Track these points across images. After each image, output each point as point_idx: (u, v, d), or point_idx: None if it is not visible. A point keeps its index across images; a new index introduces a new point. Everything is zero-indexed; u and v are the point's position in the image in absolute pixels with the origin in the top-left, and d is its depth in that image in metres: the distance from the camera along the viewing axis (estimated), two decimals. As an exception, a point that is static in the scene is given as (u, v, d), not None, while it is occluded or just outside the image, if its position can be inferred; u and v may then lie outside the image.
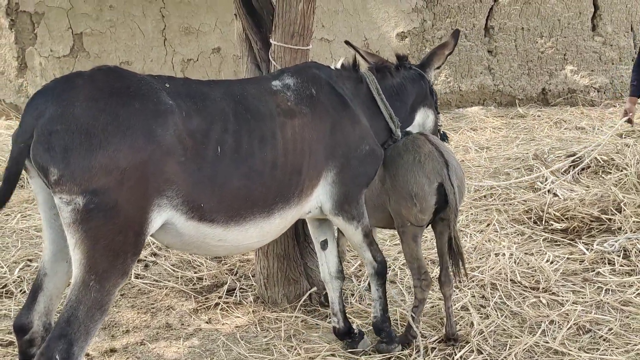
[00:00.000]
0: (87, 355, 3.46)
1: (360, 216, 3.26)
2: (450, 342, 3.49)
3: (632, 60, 6.87)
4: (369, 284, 3.78)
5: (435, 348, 3.48)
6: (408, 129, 3.60)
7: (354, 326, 3.62)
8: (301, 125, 2.99)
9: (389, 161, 3.40)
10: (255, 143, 2.79)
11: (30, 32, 9.20)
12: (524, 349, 3.41)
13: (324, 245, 3.52)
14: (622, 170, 6.11)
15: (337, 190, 3.16)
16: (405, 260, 3.68)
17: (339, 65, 3.48)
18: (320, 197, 3.16)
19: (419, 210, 3.28)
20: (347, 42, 3.88)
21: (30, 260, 4.90)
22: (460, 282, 3.78)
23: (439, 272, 3.54)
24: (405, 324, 3.63)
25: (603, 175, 6.27)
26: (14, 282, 4.49)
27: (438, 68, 3.78)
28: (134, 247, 2.46)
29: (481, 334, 3.59)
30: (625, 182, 5.78)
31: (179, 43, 9.30)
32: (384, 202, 3.43)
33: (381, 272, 3.41)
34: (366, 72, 3.49)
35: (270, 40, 3.78)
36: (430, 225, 3.48)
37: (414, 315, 3.43)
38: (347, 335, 3.53)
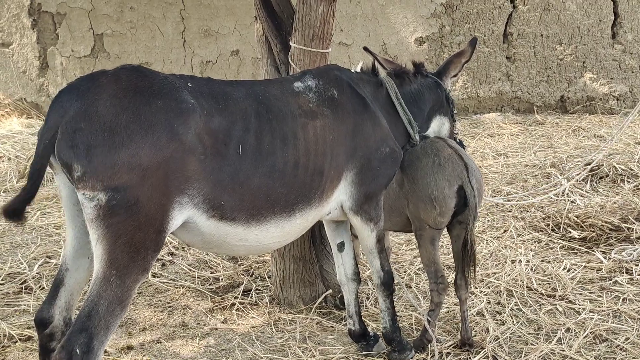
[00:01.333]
0: (105, 351, 3.50)
1: (377, 218, 3.28)
2: (466, 347, 3.48)
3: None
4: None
5: (450, 353, 3.48)
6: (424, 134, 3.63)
7: (369, 329, 3.62)
8: (323, 127, 3.01)
9: (407, 165, 3.41)
10: (277, 143, 2.82)
11: (52, 32, 9.31)
12: (539, 357, 3.40)
13: (341, 247, 3.54)
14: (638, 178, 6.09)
15: (357, 190, 3.18)
16: (421, 264, 3.68)
17: (358, 69, 3.52)
18: (340, 197, 3.18)
19: (438, 213, 3.29)
20: (365, 48, 3.91)
21: (49, 257, 4.96)
22: (472, 286, 3.77)
23: (454, 276, 3.52)
24: (420, 328, 3.64)
25: (621, 184, 6.23)
26: (33, 278, 4.55)
27: (455, 76, 3.81)
28: (154, 244, 2.49)
29: (496, 340, 3.59)
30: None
31: (198, 45, 9.36)
32: (402, 206, 3.43)
33: (387, 283, 3.40)
34: (385, 77, 3.53)
35: (290, 43, 3.81)
36: (446, 229, 3.48)
37: (429, 319, 3.43)
38: (362, 338, 3.54)
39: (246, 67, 9.41)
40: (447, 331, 3.76)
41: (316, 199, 3.00)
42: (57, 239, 5.42)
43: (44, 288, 4.42)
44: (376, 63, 3.61)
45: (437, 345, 3.42)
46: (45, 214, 6.13)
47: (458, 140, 3.77)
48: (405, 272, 4.61)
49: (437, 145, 3.41)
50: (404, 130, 3.45)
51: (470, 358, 3.42)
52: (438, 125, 3.71)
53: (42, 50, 9.33)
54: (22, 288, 4.44)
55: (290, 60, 3.81)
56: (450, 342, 3.59)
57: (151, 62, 9.27)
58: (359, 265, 3.69)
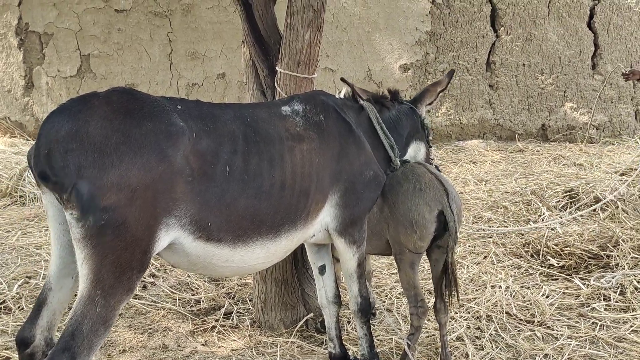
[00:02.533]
0: (83, 373, 3.48)
1: (360, 241, 3.31)
2: None
3: (631, 100, 7.11)
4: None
5: (429, 377, 3.50)
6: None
7: (350, 353, 3.63)
8: (309, 150, 3.06)
9: (388, 189, 3.45)
10: (264, 165, 2.86)
11: (39, 52, 9.34)
12: (518, 382, 3.43)
13: (322, 270, 3.56)
14: (616, 207, 6.20)
15: (341, 213, 3.22)
16: (402, 289, 3.71)
17: (342, 95, 3.59)
18: (325, 219, 3.22)
19: (418, 238, 3.32)
20: (342, 80, 3.96)
21: (29, 277, 4.92)
22: (453, 310, 3.81)
23: (434, 300, 3.55)
24: (400, 352, 3.65)
25: (599, 213, 6.32)
26: (12, 298, 4.51)
27: (430, 104, 3.91)
28: (140, 265, 2.50)
29: (476, 365, 3.61)
30: (618, 216, 5.84)
31: (184, 67, 9.43)
32: (382, 230, 3.47)
33: (364, 310, 3.43)
34: (366, 104, 3.59)
35: (277, 68, 3.86)
36: (426, 253, 3.53)
37: (409, 343, 3.45)
38: (343, 361, 3.55)
39: (232, 90, 9.49)
40: (427, 355, 3.78)
41: (301, 221, 3.03)
42: (38, 259, 5.38)
43: (23, 308, 4.38)
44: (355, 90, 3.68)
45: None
46: (26, 233, 6.09)
47: (434, 165, 3.83)
48: (386, 296, 4.63)
49: (418, 170, 3.46)
50: (385, 154, 3.51)
51: (449, 383, 3.44)
52: (415, 151, 3.79)
53: (28, 69, 9.35)
54: (1, 308, 4.39)
55: (276, 84, 3.86)
56: (430, 366, 3.61)
57: (137, 83, 9.32)
58: (339, 289, 3.71)
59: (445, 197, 3.32)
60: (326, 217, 3.21)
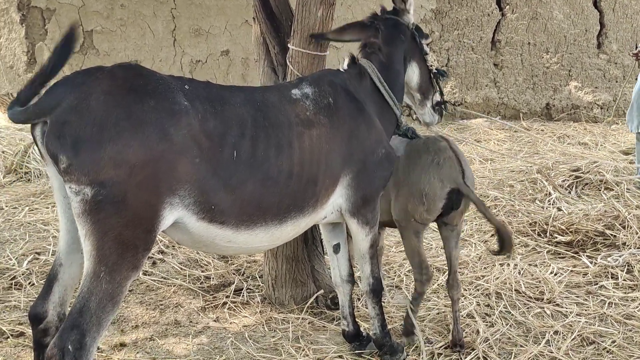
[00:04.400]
0: (98, 348, 3.50)
1: (373, 222, 3.29)
2: (457, 347, 3.53)
3: (636, 79, 7.08)
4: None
5: (441, 354, 3.53)
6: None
7: (362, 330, 3.66)
8: (319, 136, 3.01)
9: (405, 156, 3.47)
10: (271, 151, 2.81)
11: (41, 28, 9.26)
12: (529, 358, 3.46)
13: (337, 249, 3.56)
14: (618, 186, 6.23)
15: (354, 194, 3.18)
16: (406, 258, 3.75)
17: (345, 66, 3.46)
18: (337, 201, 3.18)
19: (425, 210, 3.36)
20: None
21: (38, 253, 4.94)
22: (463, 288, 3.81)
23: (447, 276, 3.59)
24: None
25: (605, 192, 6.34)
26: (22, 274, 4.53)
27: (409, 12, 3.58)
28: (144, 243, 2.48)
29: (486, 341, 3.64)
30: (623, 194, 5.87)
31: (188, 44, 9.37)
32: (387, 195, 3.47)
33: (376, 290, 3.42)
34: (364, 62, 3.43)
35: (288, 45, 3.84)
36: (438, 230, 3.58)
37: (412, 307, 3.55)
38: (355, 338, 3.58)
39: (236, 68, 9.44)
40: (438, 332, 3.81)
41: (310, 207, 3.00)
42: (46, 235, 5.40)
43: (34, 284, 4.40)
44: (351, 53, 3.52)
45: (428, 346, 3.47)
46: (32, 210, 6.10)
47: (435, 70, 3.60)
48: (395, 273, 4.66)
49: (440, 144, 3.45)
50: (392, 115, 3.43)
51: (461, 359, 3.47)
52: (409, 77, 3.56)
53: (30, 45, 9.28)
54: (11, 284, 4.41)
55: (288, 62, 3.84)
56: (442, 343, 3.63)
57: (140, 60, 9.26)
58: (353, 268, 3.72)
59: (461, 176, 3.33)
60: (338, 199, 3.17)
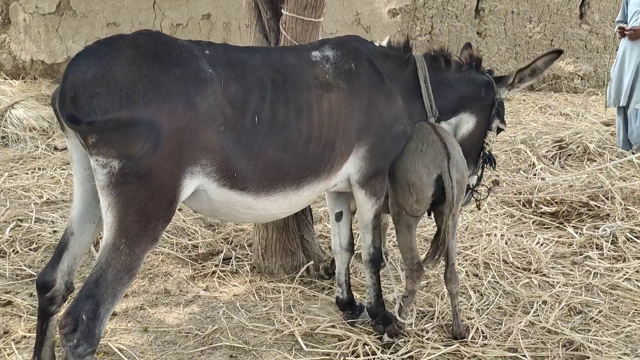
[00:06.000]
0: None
1: (380, 193, 3.27)
2: (457, 340, 3.38)
3: (617, 50, 7.09)
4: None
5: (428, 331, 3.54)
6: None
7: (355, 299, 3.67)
8: (337, 100, 2.97)
9: None
10: (291, 114, 2.78)
11: (15, -13, 8.97)
12: (518, 328, 3.50)
13: (339, 217, 3.56)
14: (601, 157, 6.30)
15: (366, 165, 3.15)
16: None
17: (384, 43, 3.41)
18: (348, 170, 3.15)
19: (415, 201, 3.18)
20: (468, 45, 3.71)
21: (20, 220, 4.85)
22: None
23: (444, 269, 3.44)
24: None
25: (588, 163, 6.41)
26: (6, 241, 4.44)
27: (510, 86, 3.52)
28: (166, 214, 2.46)
29: (477, 311, 3.68)
30: (606, 167, 5.94)
31: (168, 7, 9.15)
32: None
33: (375, 260, 3.41)
34: (418, 56, 3.39)
35: (282, 11, 3.75)
36: (434, 219, 3.41)
37: (402, 305, 3.35)
38: (348, 307, 3.59)
39: (217, 32, 9.27)
40: (428, 303, 3.82)
41: (325, 173, 2.98)
42: (27, 201, 5.30)
43: (17, 252, 4.33)
44: (410, 41, 3.47)
45: (411, 326, 3.41)
46: (12, 175, 5.98)
47: (487, 152, 3.51)
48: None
49: (423, 130, 3.27)
50: (420, 111, 3.35)
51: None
52: (461, 123, 3.50)
53: (4, 5, 8.99)
54: (-5, 252, 4.33)
55: (281, 28, 3.76)
56: (428, 315, 3.66)
57: (119, 22, 9.04)
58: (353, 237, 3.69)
59: (446, 162, 3.12)
60: (349, 168, 3.15)
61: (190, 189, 2.54)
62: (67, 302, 2.78)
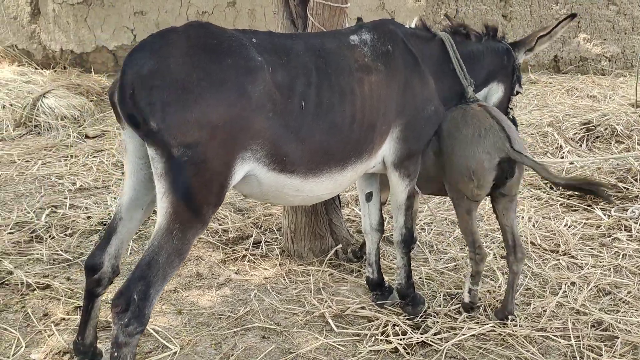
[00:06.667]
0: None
1: (414, 175, 3.34)
2: (502, 320, 3.40)
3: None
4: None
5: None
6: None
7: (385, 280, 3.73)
8: (377, 82, 3.05)
9: (446, 134, 3.32)
10: (336, 98, 2.86)
11: (44, -22, 9.10)
12: (547, 309, 3.52)
13: (369, 197, 3.63)
14: (629, 139, 6.25)
15: (401, 147, 3.22)
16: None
17: (413, 25, 3.51)
18: (385, 152, 3.23)
19: (475, 186, 3.22)
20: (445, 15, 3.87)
21: (55, 207, 4.98)
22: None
23: (506, 251, 3.45)
24: (430, 281, 3.74)
25: (616, 145, 6.36)
26: (42, 227, 4.57)
27: (530, 50, 3.69)
28: (217, 199, 2.54)
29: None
30: (634, 148, 5.88)
31: (194, -5, 9.22)
32: (438, 174, 3.41)
33: (407, 240, 3.47)
34: (443, 35, 3.48)
35: (309, -3, 3.79)
36: (492, 204, 3.45)
37: (471, 287, 3.46)
38: (378, 287, 3.65)
39: (242, 19, 9.31)
40: (456, 285, 3.86)
41: (366, 153, 3.06)
42: (61, 188, 5.43)
43: (54, 237, 4.45)
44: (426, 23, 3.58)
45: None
46: (45, 163, 6.12)
47: (511, 117, 3.66)
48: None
49: (478, 115, 3.27)
50: (453, 84, 3.42)
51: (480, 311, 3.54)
52: (491, 92, 3.66)
53: (33, -4, 9.13)
54: (32, 237, 4.46)
55: (309, 14, 3.79)
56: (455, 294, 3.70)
57: (146, 11, 9.13)
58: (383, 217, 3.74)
59: (508, 143, 3.14)
60: (386, 149, 3.22)
61: (240, 174, 2.63)
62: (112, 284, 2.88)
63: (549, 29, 3.61)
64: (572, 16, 3.62)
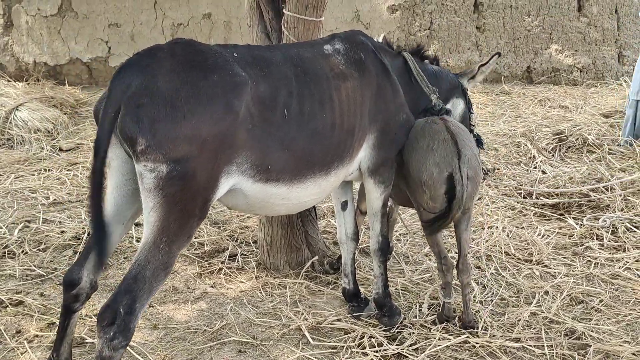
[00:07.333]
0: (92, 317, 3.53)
1: (388, 182, 3.41)
2: (467, 329, 3.44)
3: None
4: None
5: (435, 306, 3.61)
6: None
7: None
8: (352, 88, 3.15)
9: (406, 144, 3.37)
10: (316, 105, 2.95)
11: (17, -10, 9.02)
12: (521, 319, 3.56)
13: (344, 206, 3.67)
14: (600, 148, 6.37)
15: (376, 153, 3.32)
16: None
17: (380, 39, 3.67)
18: (361, 158, 3.32)
19: (429, 198, 3.25)
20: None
21: (28, 222, 4.92)
22: (454, 251, 3.85)
23: (457, 260, 3.49)
24: (405, 292, 3.76)
25: (587, 154, 6.47)
26: (15, 242, 4.51)
27: (472, 78, 3.94)
28: (201, 212, 2.57)
29: (481, 303, 3.74)
30: (604, 157, 5.99)
31: (169, 7, 9.21)
32: (401, 184, 3.46)
33: (383, 248, 3.51)
34: (405, 53, 3.66)
35: (284, 11, 3.81)
36: None
37: (443, 299, 3.48)
38: (354, 298, 3.66)
39: (218, 31, 9.32)
40: (433, 297, 3.89)
41: (347, 158, 3.15)
42: (35, 202, 5.37)
43: (27, 252, 4.39)
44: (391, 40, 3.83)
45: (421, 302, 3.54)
46: (18, 177, 6.05)
47: (475, 134, 3.79)
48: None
49: (435, 127, 3.33)
50: (417, 102, 3.56)
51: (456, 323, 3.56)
52: (454, 106, 3.85)
53: (6, 8, 9.05)
54: (4, 253, 4.40)
55: (283, 27, 3.82)
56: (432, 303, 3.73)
57: (120, 23, 9.10)
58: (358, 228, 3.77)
59: (457, 160, 3.17)
60: (362, 156, 3.32)
61: (225, 187, 2.67)
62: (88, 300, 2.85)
63: (486, 61, 3.87)
64: (497, 55, 3.89)
